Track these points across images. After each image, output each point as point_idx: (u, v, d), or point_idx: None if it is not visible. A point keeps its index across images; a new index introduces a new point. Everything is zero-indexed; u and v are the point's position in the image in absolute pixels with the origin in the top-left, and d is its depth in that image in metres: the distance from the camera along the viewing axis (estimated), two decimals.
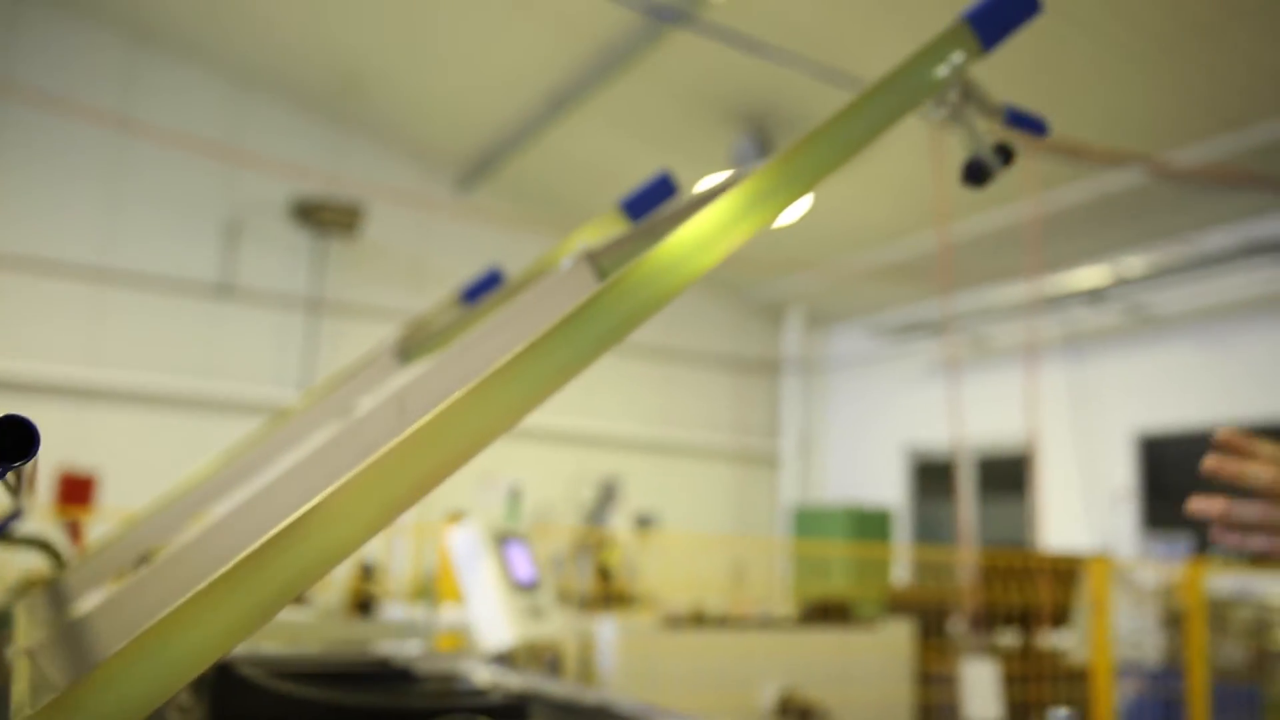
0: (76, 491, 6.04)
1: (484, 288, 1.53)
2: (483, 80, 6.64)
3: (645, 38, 5.59)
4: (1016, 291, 6.75)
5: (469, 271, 1.62)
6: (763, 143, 6.26)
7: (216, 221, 7.01)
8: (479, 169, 7.66)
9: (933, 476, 8.46)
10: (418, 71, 6.70)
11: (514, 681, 1.55)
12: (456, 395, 0.67)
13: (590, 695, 1.45)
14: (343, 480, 0.63)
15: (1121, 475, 6.81)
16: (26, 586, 1.28)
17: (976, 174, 1.00)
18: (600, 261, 0.98)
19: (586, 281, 0.97)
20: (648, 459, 8.60)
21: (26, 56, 6.45)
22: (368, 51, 6.59)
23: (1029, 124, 1.06)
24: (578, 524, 6.12)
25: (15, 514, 1.32)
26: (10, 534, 1.29)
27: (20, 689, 0.62)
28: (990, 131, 1.02)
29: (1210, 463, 0.96)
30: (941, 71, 0.91)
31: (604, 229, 1.33)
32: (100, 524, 5.07)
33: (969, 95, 0.97)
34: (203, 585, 0.57)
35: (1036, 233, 5.51)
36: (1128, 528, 6.69)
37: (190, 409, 6.73)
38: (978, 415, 7.15)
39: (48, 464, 6.12)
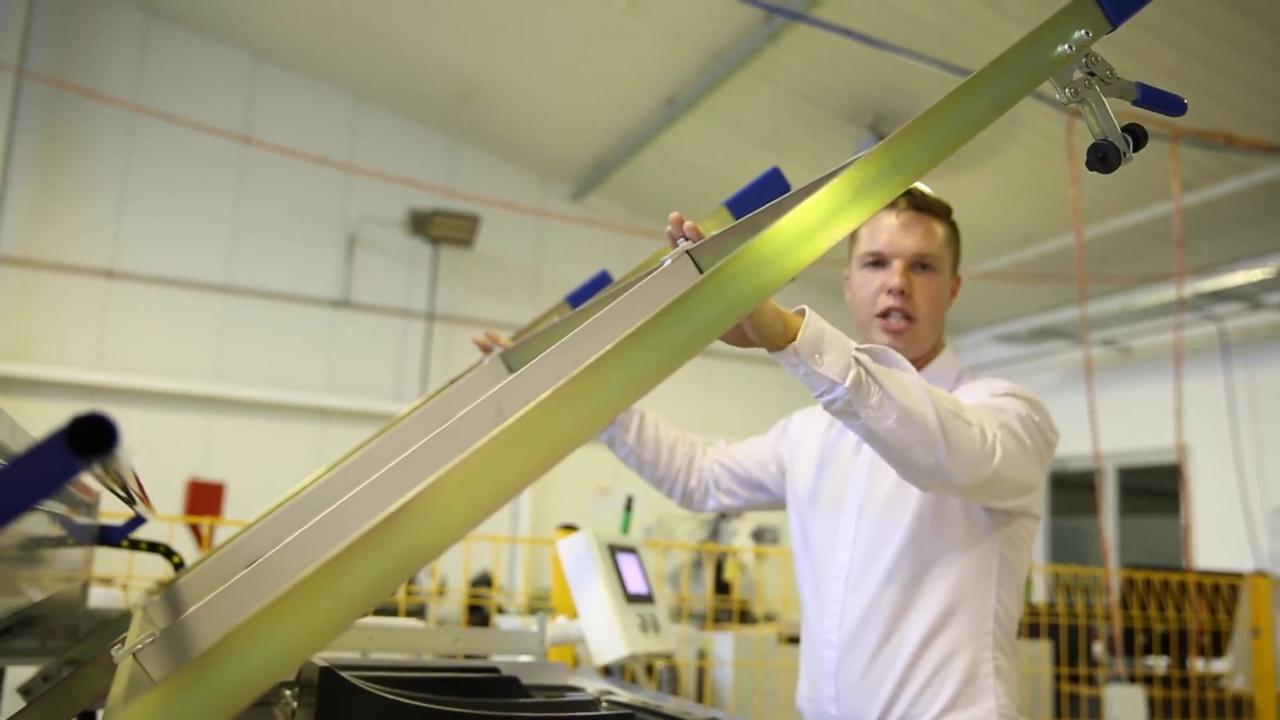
0: (205, 499, 6.33)
1: (590, 291, 1.52)
2: (597, 87, 6.67)
3: (762, 36, 5.50)
4: (1164, 294, 6.36)
5: (584, 279, 1.62)
6: None
7: (334, 234, 7.22)
8: (594, 176, 7.69)
9: (1072, 490, 8.05)
10: (531, 80, 6.77)
11: (623, 695, 1.53)
12: (547, 393, 0.66)
13: (700, 712, 1.41)
14: (432, 479, 0.62)
15: None
16: (155, 591, 1.33)
17: (1104, 158, 0.92)
18: (700, 258, 0.95)
19: (686, 278, 0.94)
20: None
21: (155, 75, 6.77)
22: (481, 62, 6.70)
23: (1164, 102, 0.97)
24: (697, 537, 6.07)
25: (136, 520, 1.39)
26: (133, 539, 1.35)
27: (119, 688, 0.63)
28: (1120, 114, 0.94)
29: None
30: (1063, 49, 0.84)
31: (711, 228, 1.30)
32: (227, 531, 5.32)
33: (1094, 73, 0.89)
34: (289, 585, 0.56)
35: (1181, 230, 5.19)
36: None
37: (312, 419, 6.95)
38: (1124, 425, 6.76)
39: (178, 473, 6.43)
